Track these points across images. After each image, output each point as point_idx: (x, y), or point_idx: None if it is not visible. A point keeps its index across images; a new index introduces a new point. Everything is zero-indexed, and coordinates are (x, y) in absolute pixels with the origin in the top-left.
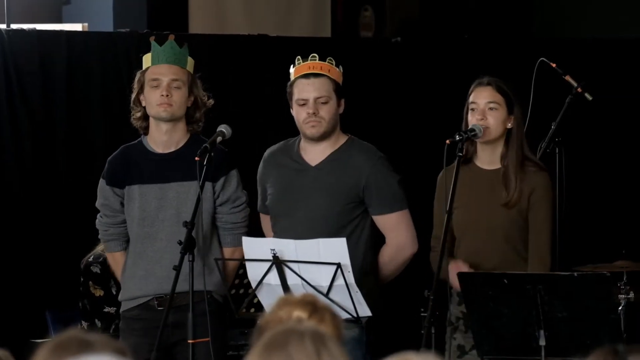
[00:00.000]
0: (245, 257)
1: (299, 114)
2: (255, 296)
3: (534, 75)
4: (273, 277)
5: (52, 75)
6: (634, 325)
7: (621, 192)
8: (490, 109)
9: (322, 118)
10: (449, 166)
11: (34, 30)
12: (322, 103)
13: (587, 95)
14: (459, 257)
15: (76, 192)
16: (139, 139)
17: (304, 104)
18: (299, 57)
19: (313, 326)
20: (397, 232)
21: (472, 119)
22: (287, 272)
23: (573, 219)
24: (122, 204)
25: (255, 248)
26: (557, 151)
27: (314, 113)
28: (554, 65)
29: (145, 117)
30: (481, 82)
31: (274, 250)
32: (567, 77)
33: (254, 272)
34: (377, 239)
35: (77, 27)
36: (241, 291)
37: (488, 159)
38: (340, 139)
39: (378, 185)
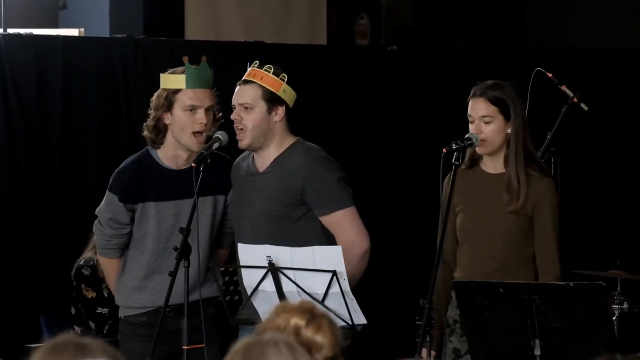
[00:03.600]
0: (241, 264)
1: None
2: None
3: (529, 85)
4: (268, 284)
5: (48, 80)
6: (627, 335)
7: (616, 202)
8: (485, 122)
9: (245, 127)
10: (459, 169)
11: (31, 35)
12: (246, 109)
13: (582, 105)
14: (462, 260)
15: (70, 197)
16: (145, 150)
17: (233, 110)
18: (248, 63)
19: (282, 335)
20: (342, 231)
21: (471, 131)
22: (283, 279)
23: (568, 228)
24: (132, 219)
25: (251, 255)
26: (552, 161)
27: (236, 118)
28: (550, 75)
29: (158, 131)
30: (474, 94)
31: (269, 257)
32: (563, 87)
33: (249, 279)
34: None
35: (74, 32)
36: (236, 297)
37: (493, 163)
38: (286, 143)
39: (314, 186)
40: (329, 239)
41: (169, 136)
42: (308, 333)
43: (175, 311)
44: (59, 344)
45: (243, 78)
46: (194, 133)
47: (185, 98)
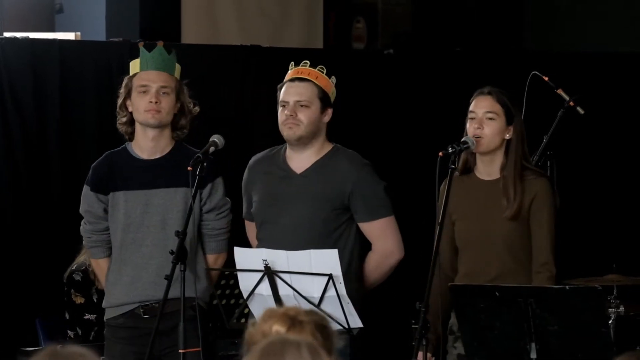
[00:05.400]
0: (237, 267)
1: (280, 115)
2: (247, 306)
3: (526, 88)
4: (265, 288)
5: (44, 83)
6: (623, 339)
7: (612, 205)
8: (488, 118)
9: (300, 121)
10: (451, 177)
11: (27, 39)
12: (302, 106)
13: (579, 109)
14: (461, 269)
15: (69, 200)
16: (123, 145)
17: (284, 106)
18: (292, 62)
19: (308, 338)
20: (383, 239)
21: (470, 128)
22: (279, 282)
23: (564, 232)
24: (105, 211)
25: (247, 258)
26: (548, 164)
27: (291, 115)
28: (546, 78)
29: (131, 122)
30: (482, 92)
31: (265, 260)
32: (560, 91)
33: (245, 283)
34: (363, 245)
35: (70, 36)
36: (232, 301)
37: (487, 170)
38: (326, 147)
39: (364, 192)
40: (361, 248)
41: (137, 126)
42: None
43: (151, 312)
44: (58, 354)
45: (294, 75)
46: (145, 111)
47: (139, 80)
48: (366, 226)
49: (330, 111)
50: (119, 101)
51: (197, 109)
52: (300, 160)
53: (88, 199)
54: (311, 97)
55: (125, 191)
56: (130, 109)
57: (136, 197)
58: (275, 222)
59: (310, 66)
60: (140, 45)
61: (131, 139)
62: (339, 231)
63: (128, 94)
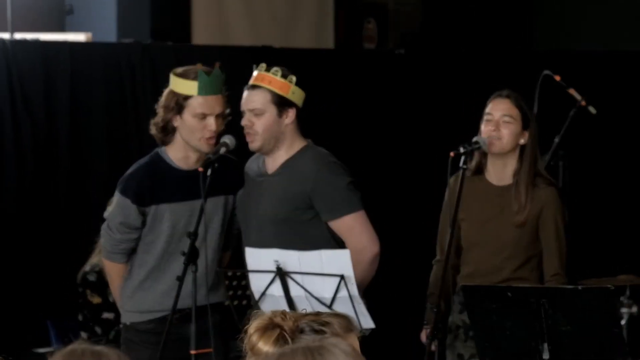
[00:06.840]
0: (249, 268)
1: None
2: (259, 307)
3: (537, 88)
4: (276, 289)
5: (55, 85)
6: (637, 339)
7: (625, 206)
8: (505, 122)
9: (256, 132)
10: (459, 172)
11: (38, 41)
12: (256, 115)
13: (590, 108)
14: (465, 269)
15: (78, 202)
16: (154, 153)
17: (243, 115)
18: (254, 65)
19: (344, 342)
20: (352, 235)
21: (485, 130)
22: (291, 283)
23: (576, 232)
24: (143, 223)
25: (259, 259)
26: (560, 165)
27: (247, 125)
28: (558, 78)
29: (168, 130)
30: (500, 94)
31: (277, 261)
32: (571, 91)
33: (257, 283)
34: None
35: (81, 37)
36: (244, 302)
37: (499, 174)
38: (296, 146)
39: (323, 191)
40: (337, 242)
41: (178, 137)
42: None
43: (182, 319)
44: (75, 352)
45: (250, 82)
46: (204, 139)
47: (196, 105)
48: (333, 225)
49: (291, 112)
50: (164, 115)
51: (228, 111)
52: (273, 160)
53: (126, 211)
54: (264, 104)
55: (170, 203)
56: (175, 124)
57: (182, 209)
58: (246, 222)
59: (266, 69)
60: (199, 68)
61: (163, 143)
62: (308, 228)
63: (179, 111)
